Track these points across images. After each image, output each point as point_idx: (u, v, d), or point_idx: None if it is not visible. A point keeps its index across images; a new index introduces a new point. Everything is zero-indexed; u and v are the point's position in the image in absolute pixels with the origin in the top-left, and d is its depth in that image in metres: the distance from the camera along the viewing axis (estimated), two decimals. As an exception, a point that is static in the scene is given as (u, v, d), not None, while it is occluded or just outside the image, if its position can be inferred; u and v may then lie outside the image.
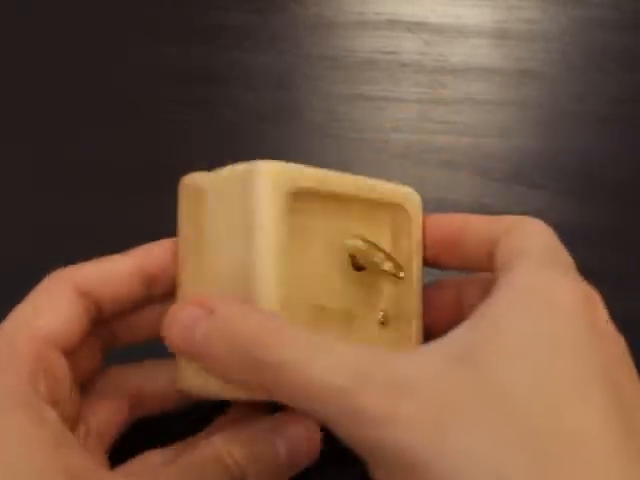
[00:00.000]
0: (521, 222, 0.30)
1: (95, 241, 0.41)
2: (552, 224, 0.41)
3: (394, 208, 0.32)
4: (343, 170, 0.43)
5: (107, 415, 0.32)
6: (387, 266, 0.30)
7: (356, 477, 0.35)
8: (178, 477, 0.28)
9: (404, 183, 0.42)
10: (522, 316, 0.25)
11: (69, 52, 0.45)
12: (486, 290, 0.30)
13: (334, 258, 0.31)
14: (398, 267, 0.30)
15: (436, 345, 0.25)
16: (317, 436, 0.30)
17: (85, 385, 0.32)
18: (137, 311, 0.33)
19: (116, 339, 0.33)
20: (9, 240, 0.41)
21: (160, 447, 0.32)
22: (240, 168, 0.29)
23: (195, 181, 0.30)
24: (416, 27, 0.46)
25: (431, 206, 0.41)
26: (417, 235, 0.32)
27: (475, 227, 0.31)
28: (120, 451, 0.32)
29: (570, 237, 0.41)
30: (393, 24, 0.46)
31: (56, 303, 0.30)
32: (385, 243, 0.32)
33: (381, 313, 0.32)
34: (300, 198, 0.28)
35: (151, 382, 0.33)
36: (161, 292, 0.32)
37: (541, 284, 0.26)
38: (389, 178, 0.42)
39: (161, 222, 0.38)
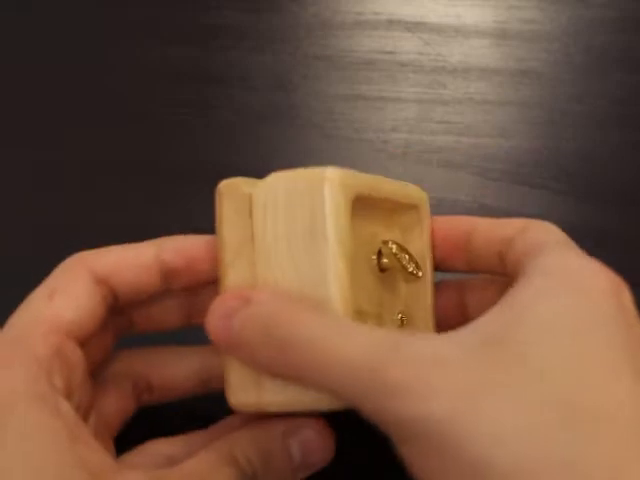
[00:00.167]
0: (534, 222, 0.30)
1: (95, 241, 0.41)
2: (552, 224, 0.41)
3: (406, 208, 0.32)
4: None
5: (115, 403, 0.32)
6: (412, 267, 0.31)
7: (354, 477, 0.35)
8: (192, 474, 0.28)
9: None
10: (553, 298, 0.25)
11: (69, 52, 0.45)
12: (488, 290, 0.30)
13: (367, 261, 0.31)
14: (419, 268, 0.31)
15: (466, 328, 0.25)
16: (331, 439, 0.30)
17: (94, 372, 0.32)
18: (152, 301, 0.32)
19: (129, 328, 0.33)
20: (9, 240, 0.41)
21: (161, 435, 0.32)
22: (303, 175, 0.28)
23: (238, 186, 0.29)
24: (415, 27, 0.46)
25: (431, 206, 0.41)
26: (427, 235, 0.32)
27: (484, 229, 0.31)
28: (118, 438, 0.32)
29: (570, 237, 0.41)
30: (392, 24, 0.46)
31: (73, 291, 0.29)
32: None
33: (399, 315, 0.32)
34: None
35: (159, 369, 0.33)
36: (180, 286, 0.32)
37: (571, 267, 0.26)
38: (389, 178, 0.42)
39: (161, 221, 0.38)
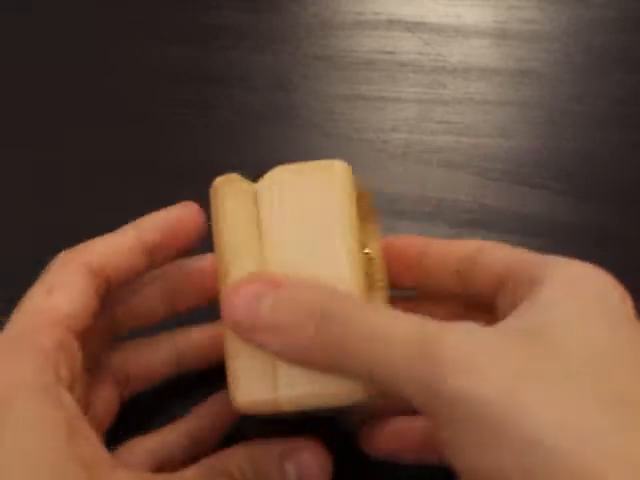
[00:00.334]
0: (488, 242, 0.31)
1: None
2: (552, 224, 0.41)
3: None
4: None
5: (104, 398, 0.32)
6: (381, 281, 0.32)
7: None
8: None
9: (404, 183, 0.42)
10: (576, 299, 0.26)
11: (69, 52, 0.45)
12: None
13: None
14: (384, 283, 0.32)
15: (500, 323, 0.26)
16: (328, 462, 0.30)
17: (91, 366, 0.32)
18: (136, 294, 0.33)
19: (120, 324, 0.33)
20: (9, 240, 0.41)
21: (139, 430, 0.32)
22: (312, 167, 0.29)
23: (237, 181, 0.29)
24: (415, 27, 0.46)
25: (431, 206, 0.41)
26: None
27: (437, 249, 0.31)
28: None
29: (570, 237, 0.41)
30: (392, 24, 0.46)
31: (70, 285, 0.30)
32: None
33: None
34: None
35: (135, 359, 0.33)
36: (162, 261, 0.32)
37: (585, 273, 0.27)
38: (389, 178, 0.42)
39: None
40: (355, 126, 0.43)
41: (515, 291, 0.28)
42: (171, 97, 0.44)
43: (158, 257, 0.32)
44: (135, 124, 0.44)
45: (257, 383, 0.27)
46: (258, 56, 0.45)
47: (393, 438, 0.32)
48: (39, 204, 0.42)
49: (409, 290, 0.33)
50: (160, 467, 0.32)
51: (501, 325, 0.26)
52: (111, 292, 0.31)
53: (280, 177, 0.29)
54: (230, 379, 0.28)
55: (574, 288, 0.26)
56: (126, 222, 0.41)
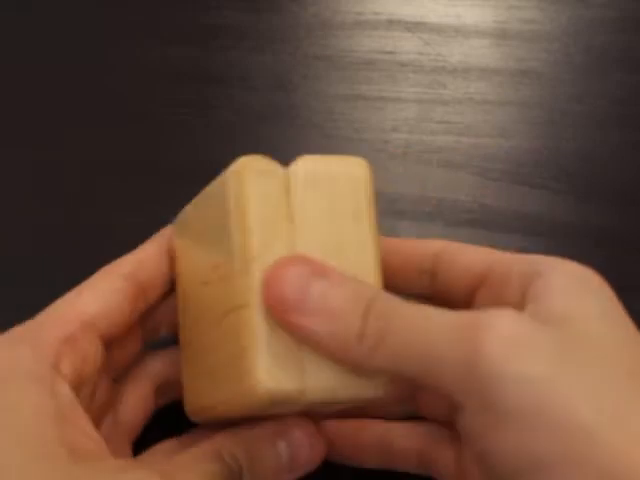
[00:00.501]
0: (452, 244, 0.32)
1: (95, 241, 0.41)
2: (552, 224, 0.41)
3: None
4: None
5: (136, 403, 0.32)
6: None
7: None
8: (175, 470, 0.28)
9: (404, 183, 0.42)
10: (582, 290, 0.27)
11: (69, 52, 0.45)
12: None
13: None
14: None
15: (527, 309, 0.27)
16: (320, 442, 0.30)
17: (119, 375, 0.33)
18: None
19: (157, 331, 0.34)
20: (9, 240, 0.41)
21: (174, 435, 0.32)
22: (342, 161, 0.30)
23: (265, 164, 0.29)
24: (415, 27, 0.46)
25: (431, 206, 0.41)
26: None
27: (401, 248, 0.32)
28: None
29: (570, 237, 0.41)
30: (392, 24, 0.46)
31: (100, 288, 0.31)
32: None
33: None
34: None
35: (175, 368, 0.33)
36: None
37: (579, 270, 0.28)
38: (389, 178, 0.42)
39: (161, 221, 0.38)
40: (355, 126, 0.43)
41: (504, 286, 0.29)
42: (171, 97, 0.44)
43: None
44: (135, 124, 0.44)
45: (282, 373, 0.27)
46: (258, 56, 0.45)
47: (350, 440, 0.32)
48: (39, 204, 0.42)
49: None
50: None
51: (530, 311, 0.26)
52: (148, 300, 0.32)
53: (312, 166, 0.29)
54: (250, 367, 0.27)
55: (575, 280, 0.27)
56: (126, 222, 0.41)
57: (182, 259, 0.33)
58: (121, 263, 0.32)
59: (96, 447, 0.27)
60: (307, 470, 0.30)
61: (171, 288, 0.33)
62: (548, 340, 0.25)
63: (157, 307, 0.33)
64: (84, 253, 0.40)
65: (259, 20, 0.46)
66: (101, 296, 0.30)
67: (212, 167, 0.43)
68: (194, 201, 0.32)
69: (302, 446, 0.30)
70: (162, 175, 0.42)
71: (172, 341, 0.34)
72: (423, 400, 0.32)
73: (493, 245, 0.31)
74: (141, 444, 0.32)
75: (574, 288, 0.27)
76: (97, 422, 0.30)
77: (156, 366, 0.33)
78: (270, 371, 0.26)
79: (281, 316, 0.27)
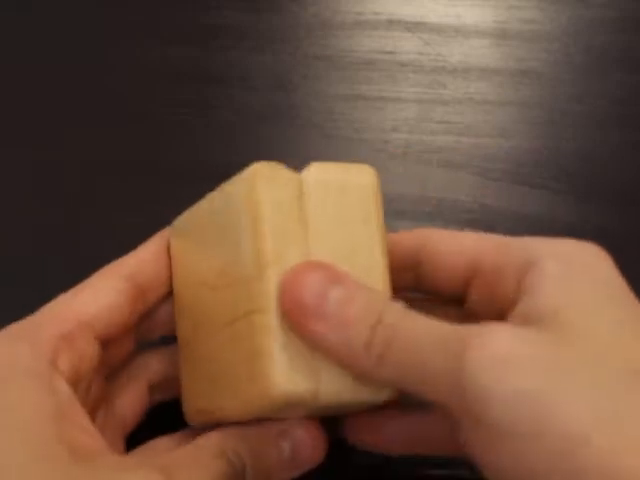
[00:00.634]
0: (433, 233, 0.31)
1: (95, 241, 0.41)
2: (552, 224, 0.41)
3: None
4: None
5: (130, 399, 0.32)
6: None
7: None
8: (177, 466, 0.28)
9: (404, 183, 0.42)
10: (577, 279, 0.26)
11: (69, 52, 0.45)
12: None
13: None
14: None
15: (515, 314, 0.27)
16: (322, 442, 0.30)
17: (113, 372, 0.33)
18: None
19: (154, 331, 0.34)
20: (9, 240, 0.41)
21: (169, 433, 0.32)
22: (348, 168, 0.30)
23: (280, 170, 0.29)
24: (415, 27, 0.46)
25: (431, 206, 0.41)
26: None
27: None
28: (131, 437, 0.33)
29: (570, 237, 0.41)
30: (392, 24, 0.46)
31: (100, 289, 0.31)
32: None
33: None
34: None
35: (172, 366, 0.33)
36: None
37: (575, 250, 0.28)
38: (389, 178, 0.42)
39: (161, 221, 0.38)
40: (355, 126, 0.43)
41: (498, 277, 0.28)
42: (171, 97, 0.44)
43: None
44: (135, 124, 0.44)
45: (296, 375, 0.27)
46: (258, 56, 0.45)
47: (377, 429, 0.32)
48: (39, 204, 0.42)
49: None
50: None
51: (517, 316, 0.26)
52: (147, 302, 0.32)
53: (323, 172, 0.29)
54: (264, 368, 0.27)
55: (572, 267, 0.27)
56: (126, 222, 0.41)
57: (180, 262, 0.33)
58: (121, 264, 0.32)
59: (96, 444, 0.27)
60: (308, 468, 0.31)
61: (171, 289, 0.33)
62: (535, 353, 0.24)
63: (156, 308, 0.33)
64: (84, 253, 0.40)
65: (259, 20, 0.46)
66: (100, 297, 0.30)
67: (212, 167, 0.43)
68: (197, 205, 0.32)
69: (304, 445, 0.30)
70: (162, 175, 0.42)
71: (167, 339, 0.34)
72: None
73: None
74: (136, 441, 0.32)
75: (569, 277, 0.26)
76: (90, 419, 0.30)
77: (151, 363, 0.33)
78: (286, 374, 0.27)
79: (297, 321, 0.27)
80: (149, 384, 0.33)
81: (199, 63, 0.45)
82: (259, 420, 0.30)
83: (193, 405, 0.32)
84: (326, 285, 0.27)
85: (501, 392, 0.24)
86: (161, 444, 0.32)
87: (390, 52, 0.45)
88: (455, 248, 0.30)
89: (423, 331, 0.26)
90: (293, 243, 0.28)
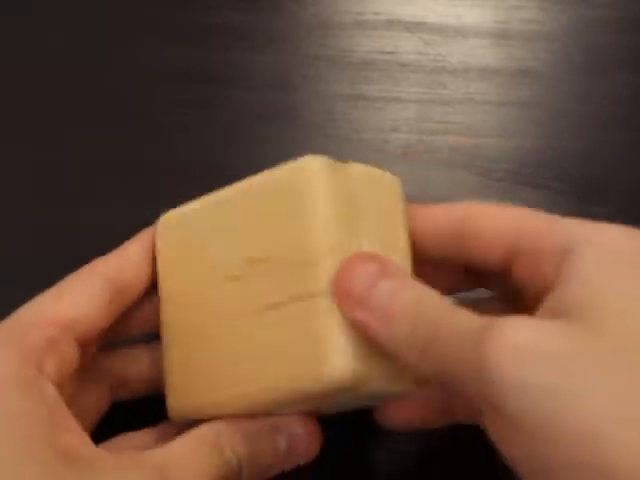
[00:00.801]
0: (477, 207, 0.31)
1: (95, 241, 0.41)
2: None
3: None
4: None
5: (94, 399, 0.33)
6: None
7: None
8: (172, 465, 0.28)
9: (404, 183, 0.42)
10: (614, 270, 0.26)
11: (68, 52, 0.45)
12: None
13: None
14: None
15: (543, 308, 0.26)
16: (317, 436, 0.31)
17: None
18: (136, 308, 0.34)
19: (126, 331, 0.34)
20: (9, 240, 0.41)
21: (135, 429, 0.32)
22: (378, 173, 0.31)
23: (333, 164, 0.30)
24: (415, 27, 0.46)
25: (431, 206, 0.41)
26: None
27: (427, 215, 0.32)
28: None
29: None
30: (392, 24, 0.46)
31: (80, 291, 0.31)
32: None
33: None
34: None
35: (137, 365, 0.34)
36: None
37: (617, 237, 0.27)
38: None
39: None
40: (355, 126, 0.43)
41: (538, 261, 0.28)
42: (171, 97, 0.44)
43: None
44: (135, 124, 0.44)
45: (355, 359, 0.28)
46: (258, 56, 0.45)
47: (413, 407, 0.33)
48: (39, 204, 0.42)
49: None
50: None
51: (549, 305, 0.26)
52: (125, 304, 0.32)
53: (363, 169, 0.31)
54: (325, 348, 0.28)
55: (613, 256, 0.26)
56: (126, 222, 0.41)
57: (173, 259, 0.33)
58: (103, 263, 0.32)
59: (87, 446, 0.28)
60: (302, 462, 0.31)
61: (148, 289, 0.33)
62: (557, 346, 0.24)
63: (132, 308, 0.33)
64: (84, 253, 0.40)
65: (259, 20, 0.46)
66: (81, 300, 0.31)
67: (212, 167, 0.43)
68: (196, 202, 0.33)
69: (300, 440, 0.30)
70: (162, 175, 0.42)
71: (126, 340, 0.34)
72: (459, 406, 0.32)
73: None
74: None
75: (608, 266, 0.26)
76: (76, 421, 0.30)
77: (115, 362, 0.33)
78: (347, 358, 0.27)
79: (345, 308, 0.27)
80: (111, 381, 0.33)
81: (199, 63, 0.45)
82: (252, 415, 0.30)
83: (182, 401, 0.32)
84: (377, 277, 0.27)
85: (518, 385, 0.24)
86: (133, 439, 0.32)
87: (390, 52, 0.45)
88: (499, 224, 0.30)
89: (464, 328, 0.26)
90: (351, 233, 0.29)
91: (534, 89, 0.44)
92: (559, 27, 0.46)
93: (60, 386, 0.29)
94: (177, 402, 0.32)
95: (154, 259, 0.33)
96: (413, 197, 0.42)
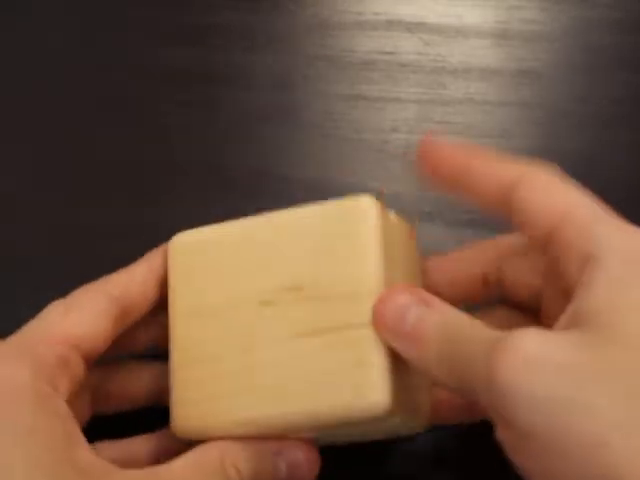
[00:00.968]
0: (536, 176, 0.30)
1: (95, 241, 0.41)
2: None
3: None
4: (342, 171, 0.43)
5: (76, 409, 0.32)
6: None
7: None
8: (181, 473, 0.29)
9: (404, 183, 0.42)
10: (633, 287, 0.26)
11: (69, 52, 0.45)
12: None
13: None
14: None
15: (561, 319, 0.26)
16: (316, 460, 0.31)
17: None
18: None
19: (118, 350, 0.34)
20: (9, 240, 0.41)
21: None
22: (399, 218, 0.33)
23: (382, 207, 0.32)
24: (415, 27, 0.46)
25: (431, 206, 0.41)
26: None
27: (479, 169, 0.32)
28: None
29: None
30: (392, 24, 0.46)
31: (87, 309, 0.31)
32: None
33: None
34: None
35: (119, 381, 0.34)
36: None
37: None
38: (389, 178, 0.42)
39: (161, 221, 0.38)
40: (355, 126, 0.43)
41: (566, 257, 0.28)
42: (171, 97, 0.44)
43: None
44: (135, 124, 0.44)
45: (390, 388, 0.29)
46: (258, 56, 0.45)
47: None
48: (39, 204, 0.42)
49: None
50: None
51: (567, 314, 0.26)
52: (128, 323, 0.33)
53: (394, 216, 0.32)
54: (371, 380, 0.29)
55: (634, 266, 0.26)
56: (126, 222, 0.41)
57: (189, 279, 0.33)
58: (111, 282, 0.32)
59: (100, 463, 0.28)
60: None
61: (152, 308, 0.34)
62: (568, 358, 0.24)
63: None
64: (84, 253, 0.40)
65: (259, 20, 0.46)
66: (88, 318, 0.31)
67: (212, 167, 0.43)
68: (224, 225, 0.33)
69: (300, 466, 0.31)
70: (162, 175, 0.42)
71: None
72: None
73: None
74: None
75: (631, 277, 0.26)
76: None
77: (97, 377, 0.34)
78: (389, 388, 0.29)
79: (382, 334, 0.29)
80: (92, 396, 0.33)
81: (199, 63, 0.45)
82: (255, 438, 0.30)
83: (190, 420, 0.32)
84: (410, 306, 0.28)
85: (528, 397, 0.24)
86: (105, 451, 0.32)
87: (390, 52, 0.45)
88: (545, 200, 0.29)
89: (478, 341, 0.27)
90: (393, 267, 0.31)
91: (534, 89, 0.44)
92: (559, 27, 0.46)
93: (70, 403, 0.29)
94: (184, 419, 0.32)
95: (161, 278, 0.33)
96: (413, 197, 0.42)
